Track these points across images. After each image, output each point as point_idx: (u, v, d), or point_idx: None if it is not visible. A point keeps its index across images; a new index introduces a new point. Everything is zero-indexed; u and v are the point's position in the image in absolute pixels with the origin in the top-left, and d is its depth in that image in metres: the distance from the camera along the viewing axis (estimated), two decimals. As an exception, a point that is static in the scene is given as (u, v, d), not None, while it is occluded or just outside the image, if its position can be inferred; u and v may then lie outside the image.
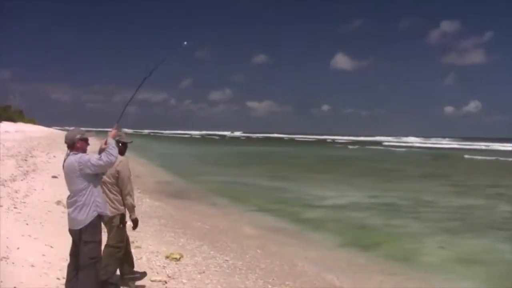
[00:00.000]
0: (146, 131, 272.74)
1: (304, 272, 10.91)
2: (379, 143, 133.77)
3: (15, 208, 11.98)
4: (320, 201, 21.85)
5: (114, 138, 6.42)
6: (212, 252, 11.35)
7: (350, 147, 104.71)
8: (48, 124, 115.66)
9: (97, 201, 6.24)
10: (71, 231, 6.33)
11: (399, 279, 10.87)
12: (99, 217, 6.29)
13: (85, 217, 6.16)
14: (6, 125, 67.47)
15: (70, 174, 6.23)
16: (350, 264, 11.85)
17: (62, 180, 18.54)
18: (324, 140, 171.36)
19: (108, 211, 6.55)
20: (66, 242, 9.54)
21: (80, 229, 6.19)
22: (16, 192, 14.26)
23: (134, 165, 34.46)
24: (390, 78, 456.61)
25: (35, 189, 15.44)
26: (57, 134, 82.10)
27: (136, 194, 18.75)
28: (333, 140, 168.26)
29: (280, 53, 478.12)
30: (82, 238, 6.20)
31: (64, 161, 6.34)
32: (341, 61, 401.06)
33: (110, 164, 6.17)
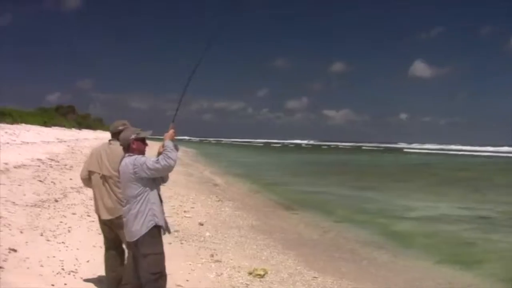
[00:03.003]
0: (211, 139, 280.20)
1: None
2: (458, 151, 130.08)
3: (88, 216, 11.35)
4: (407, 212, 20.46)
5: (172, 140, 5.61)
6: (298, 268, 10.36)
7: (429, 155, 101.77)
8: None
9: (154, 209, 5.51)
10: (128, 244, 5.62)
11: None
12: (157, 228, 5.53)
13: (140, 226, 5.42)
14: (86, 133, 68.78)
15: (124, 178, 5.52)
16: (452, 283, 10.57)
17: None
18: (402, 148, 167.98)
19: (163, 222, 5.66)
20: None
21: (137, 241, 5.44)
22: (91, 199, 13.64)
23: (210, 173, 33.98)
24: (470, 86, 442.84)
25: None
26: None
27: (215, 202, 18.20)
28: (411, 148, 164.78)
29: (358, 61, 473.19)
30: (140, 251, 5.45)
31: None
32: (420, 68, 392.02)
33: (169, 168, 5.40)
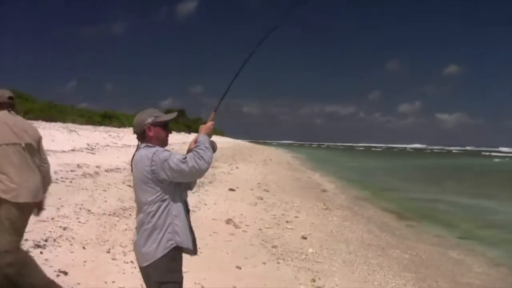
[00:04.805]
0: (313, 143, 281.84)
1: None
2: None
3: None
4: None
5: (209, 134, 4.05)
6: (420, 297, 8.38)
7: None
8: (237, 136, 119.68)
9: (175, 224, 3.86)
10: (140, 269, 4.00)
11: None
12: (178, 250, 3.89)
13: (156, 247, 3.82)
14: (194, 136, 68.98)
15: (137, 177, 3.94)
16: None
17: (241, 193, 16.19)
18: (480, 151, 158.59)
19: (189, 241, 3.97)
20: (223, 278, 7.18)
21: (149, 265, 3.84)
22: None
23: (319, 178, 32.11)
24: None
25: (205, 204, 13.51)
26: (243, 145, 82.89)
27: (322, 211, 16.36)
28: (498, 152, 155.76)
29: (473, 63, 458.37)
30: (153, 277, 3.84)
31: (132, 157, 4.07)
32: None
33: (198, 172, 3.79)
